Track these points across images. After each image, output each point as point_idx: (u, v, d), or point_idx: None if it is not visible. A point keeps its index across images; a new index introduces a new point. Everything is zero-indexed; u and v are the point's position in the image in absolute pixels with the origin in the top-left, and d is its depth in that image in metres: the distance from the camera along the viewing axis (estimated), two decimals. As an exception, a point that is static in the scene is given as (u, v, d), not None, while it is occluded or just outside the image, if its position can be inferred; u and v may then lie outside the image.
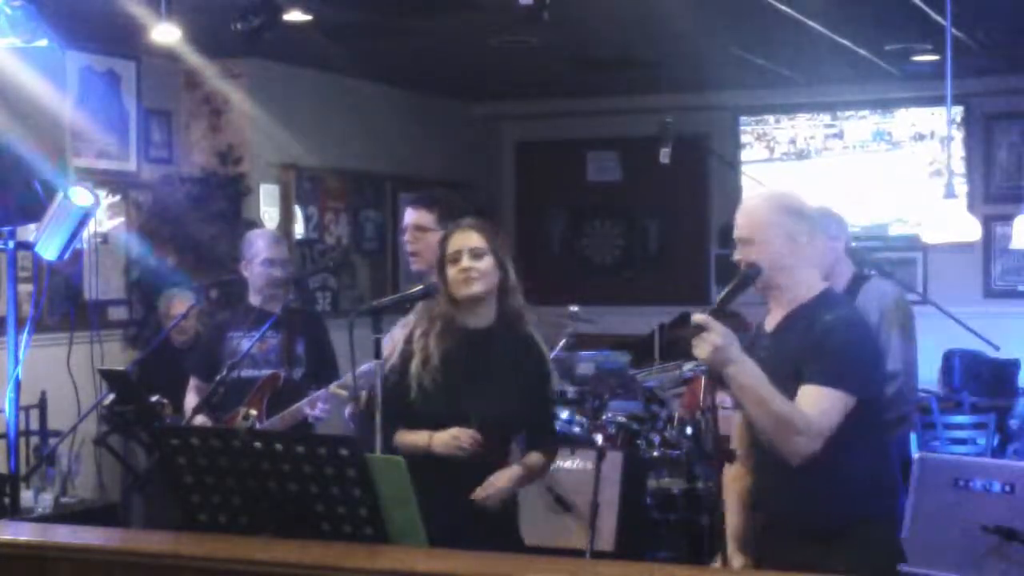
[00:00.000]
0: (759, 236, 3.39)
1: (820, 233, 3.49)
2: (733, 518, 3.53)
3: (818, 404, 3.25)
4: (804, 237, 3.40)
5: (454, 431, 3.63)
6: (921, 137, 9.24)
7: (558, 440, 4.23)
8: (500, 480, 3.70)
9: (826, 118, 9.52)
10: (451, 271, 3.71)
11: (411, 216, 4.37)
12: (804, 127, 9.59)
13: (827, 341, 3.29)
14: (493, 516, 3.69)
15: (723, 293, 3.36)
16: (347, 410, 4.47)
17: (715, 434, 3.45)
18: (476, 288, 3.71)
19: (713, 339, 3.17)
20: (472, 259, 3.70)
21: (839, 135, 9.50)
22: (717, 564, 3.40)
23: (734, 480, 3.57)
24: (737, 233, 3.45)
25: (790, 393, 3.26)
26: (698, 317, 3.21)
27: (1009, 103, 9.15)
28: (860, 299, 4.77)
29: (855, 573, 3.19)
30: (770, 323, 3.49)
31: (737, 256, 3.45)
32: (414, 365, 3.69)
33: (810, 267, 3.45)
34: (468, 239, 3.74)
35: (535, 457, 3.85)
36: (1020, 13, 6.67)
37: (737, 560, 3.45)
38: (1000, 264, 9.24)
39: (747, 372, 3.22)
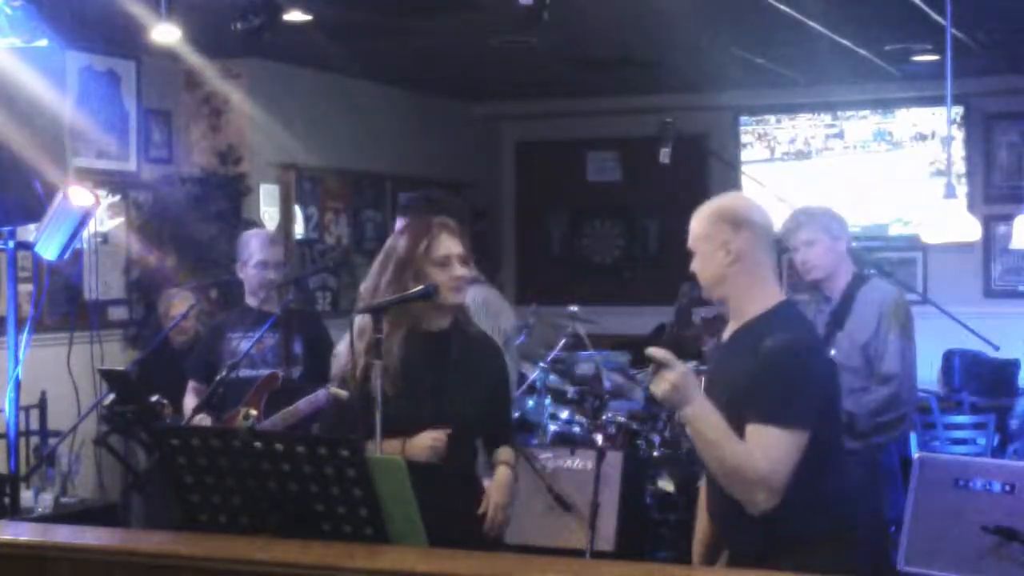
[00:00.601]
0: (698, 247, 3.29)
1: (769, 245, 3.27)
2: (704, 524, 3.46)
3: (769, 453, 3.03)
4: (746, 248, 3.21)
5: (430, 434, 3.57)
6: (921, 137, 9.24)
7: (513, 434, 4.22)
8: (498, 495, 3.68)
9: (827, 118, 9.53)
10: (441, 276, 3.63)
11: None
12: (804, 127, 9.59)
13: (770, 372, 3.07)
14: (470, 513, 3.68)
15: (676, 317, 3.29)
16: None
17: None
18: (463, 296, 3.69)
19: (671, 377, 3.01)
20: (462, 266, 3.67)
21: (839, 135, 9.50)
22: (723, 561, 3.37)
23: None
24: (689, 242, 3.35)
25: (728, 414, 3.08)
26: (656, 352, 3.02)
27: (1009, 103, 9.15)
28: (860, 300, 4.78)
29: None
30: (726, 333, 3.34)
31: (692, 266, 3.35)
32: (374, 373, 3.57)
33: (757, 280, 3.23)
34: (455, 245, 3.68)
35: (508, 453, 3.82)
36: (1020, 13, 6.67)
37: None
38: (1000, 264, 9.24)
39: (703, 415, 3.05)
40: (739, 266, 3.22)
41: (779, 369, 3.08)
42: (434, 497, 3.44)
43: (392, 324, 3.63)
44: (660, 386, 3.02)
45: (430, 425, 3.60)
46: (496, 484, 3.73)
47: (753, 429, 3.06)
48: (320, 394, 4.92)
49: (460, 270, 3.65)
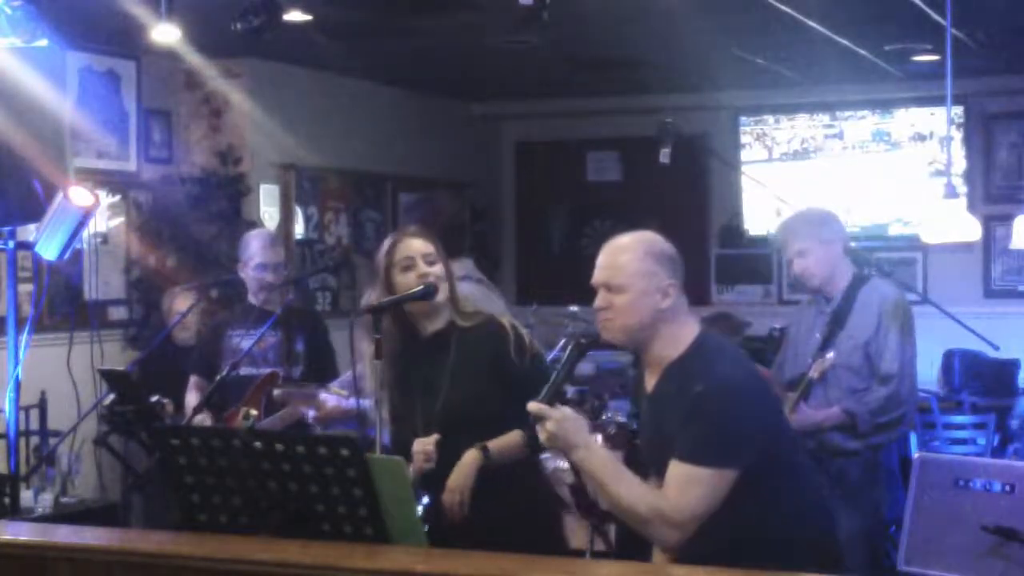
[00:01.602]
0: (630, 285, 3.12)
1: (679, 278, 3.20)
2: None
3: (681, 488, 2.96)
4: (673, 288, 3.13)
5: (415, 443, 3.58)
6: (921, 137, 9.24)
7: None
8: (452, 478, 3.61)
9: (826, 118, 9.52)
10: (407, 278, 3.66)
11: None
12: (804, 127, 9.59)
13: (698, 413, 2.97)
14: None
15: (559, 372, 3.10)
16: (311, 413, 4.47)
17: None
18: (442, 293, 3.69)
19: (548, 427, 2.98)
20: (428, 264, 3.68)
21: (839, 135, 9.50)
22: None
23: None
24: (602, 277, 3.18)
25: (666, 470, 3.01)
26: (532, 406, 2.99)
27: (1009, 103, 9.15)
28: (860, 300, 4.79)
29: None
30: (648, 384, 3.19)
31: (598, 302, 3.19)
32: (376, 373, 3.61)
33: (679, 323, 3.14)
34: (418, 246, 3.70)
35: (515, 435, 3.72)
36: (1020, 13, 6.67)
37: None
38: (1000, 264, 9.24)
39: (591, 458, 3.01)
40: (670, 311, 3.12)
41: (707, 411, 2.98)
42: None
43: (388, 334, 3.65)
44: (542, 435, 3.01)
45: (423, 430, 3.62)
46: (457, 466, 3.64)
47: (672, 466, 2.99)
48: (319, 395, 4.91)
49: (425, 268, 3.66)
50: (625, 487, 3.01)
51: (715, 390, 3.00)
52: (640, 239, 3.24)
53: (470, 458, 3.62)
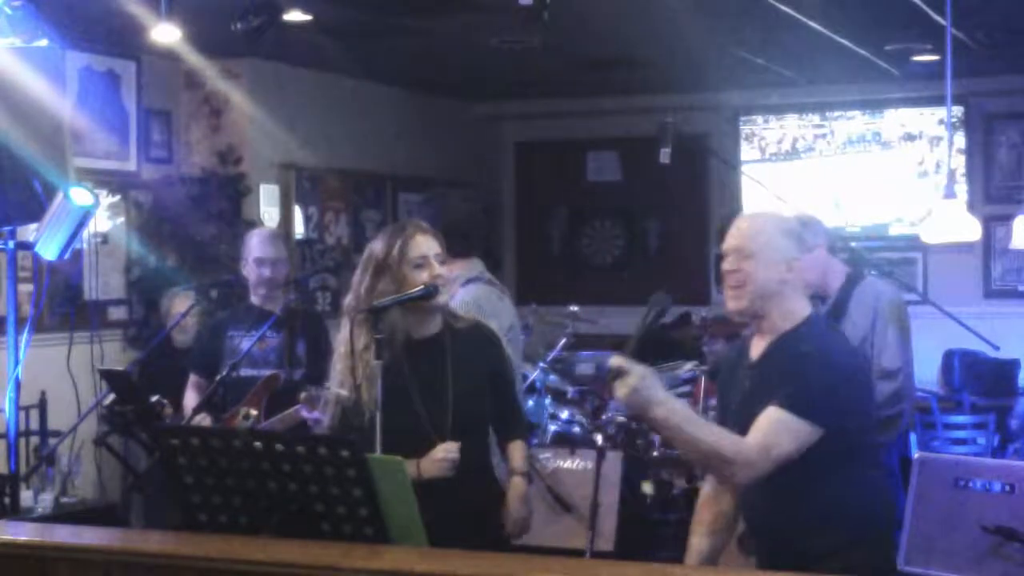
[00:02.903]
0: (758, 253, 3.28)
1: (807, 254, 3.39)
2: (701, 541, 3.46)
3: (766, 430, 3.15)
4: (797, 263, 3.30)
5: (439, 450, 3.58)
6: (921, 137, 9.25)
7: (527, 420, 4.23)
8: (516, 510, 3.75)
9: (825, 118, 9.52)
10: (420, 277, 3.61)
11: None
12: (803, 127, 9.58)
13: (800, 370, 3.19)
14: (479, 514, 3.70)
15: (640, 329, 3.27)
16: (327, 417, 4.46)
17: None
18: (447, 296, 3.70)
19: (630, 381, 3.07)
20: (440, 265, 3.66)
21: (839, 135, 9.50)
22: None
23: (708, 503, 3.51)
24: (735, 243, 3.33)
25: None
26: (615, 361, 3.09)
27: (1009, 103, 9.15)
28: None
29: None
30: (755, 352, 3.38)
31: (728, 266, 3.33)
32: (365, 389, 3.55)
33: (798, 294, 3.34)
34: (431, 244, 3.66)
35: (520, 456, 3.85)
36: (1020, 13, 6.67)
37: None
38: (1000, 264, 9.24)
39: (670, 412, 3.12)
40: (791, 285, 3.30)
41: (810, 369, 3.19)
42: (453, 497, 3.48)
43: (362, 330, 3.60)
44: (621, 392, 3.08)
45: (435, 434, 3.61)
46: (512, 496, 3.76)
47: (765, 413, 3.16)
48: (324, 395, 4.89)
49: (439, 269, 3.64)
50: (706, 431, 3.17)
51: (821, 354, 3.23)
52: (773, 213, 3.50)
53: (521, 488, 3.78)
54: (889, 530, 3.37)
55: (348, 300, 3.71)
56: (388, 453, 3.32)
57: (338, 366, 3.67)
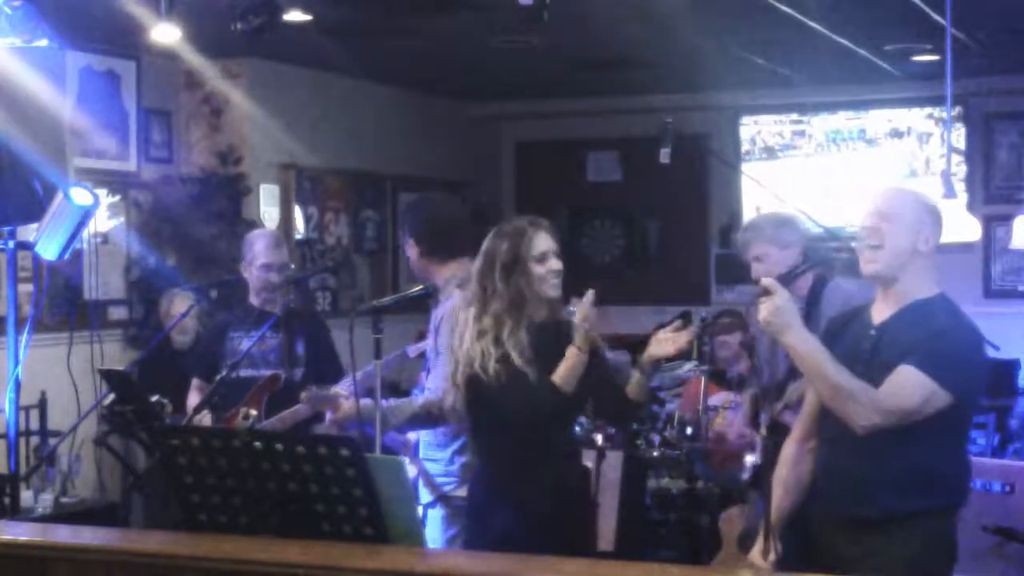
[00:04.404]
0: (895, 221, 3.44)
1: (937, 238, 3.57)
2: (784, 498, 3.53)
3: (899, 383, 3.29)
4: (932, 245, 3.50)
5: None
6: (920, 137, 9.25)
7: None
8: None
9: (826, 118, 9.52)
10: (540, 270, 3.90)
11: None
12: (804, 126, 9.58)
13: (939, 339, 3.35)
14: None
15: (800, 268, 3.69)
16: (328, 415, 4.45)
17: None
18: (559, 288, 3.94)
19: (776, 300, 3.26)
20: (558, 261, 3.93)
21: (839, 135, 9.50)
22: (760, 548, 3.40)
23: (790, 463, 3.58)
24: (878, 203, 3.48)
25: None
26: (766, 281, 3.31)
27: (1009, 103, 9.15)
28: (824, 302, 4.74)
29: (906, 563, 3.28)
30: (877, 315, 3.50)
31: (867, 223, 3.47)
32: (492, 365, 3.82)
33: (929, 274, 3.52)
34: (550, 242, 3.95)
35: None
36: (1020, 13, 6.67)
37: (760, 544, 3.42)
38: (1000, 264, 9.23)
39: (804, 340, 3.30)
40: (921, 258, 3.47)
41: (950, 340, 3.36)
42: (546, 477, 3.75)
43: (505, 316, 3.87)
44: (766, 308, 3.28)
45: (538, 408, 3.81)
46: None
47: (900, 369, 3.30)
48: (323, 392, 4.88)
49: (557, 264, 3.93)
50: (835, 367, 3.30)
51: (962, 329, 3.42)
52: (916, 190, 3.74)
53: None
54: (960, 505, 3.49)
55: (473, 291, 3.95)
56: (507, 429, 3.67)
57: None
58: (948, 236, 5.40)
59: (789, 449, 3.59)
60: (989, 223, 8.66)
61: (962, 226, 5.38)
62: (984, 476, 3.95)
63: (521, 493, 3.77)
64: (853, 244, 3.56)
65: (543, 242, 3.94)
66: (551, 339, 3.92)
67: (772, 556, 3.32)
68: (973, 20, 6.72)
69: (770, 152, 9.66)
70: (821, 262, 4.87)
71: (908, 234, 3.43)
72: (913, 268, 3.46)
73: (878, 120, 9.39)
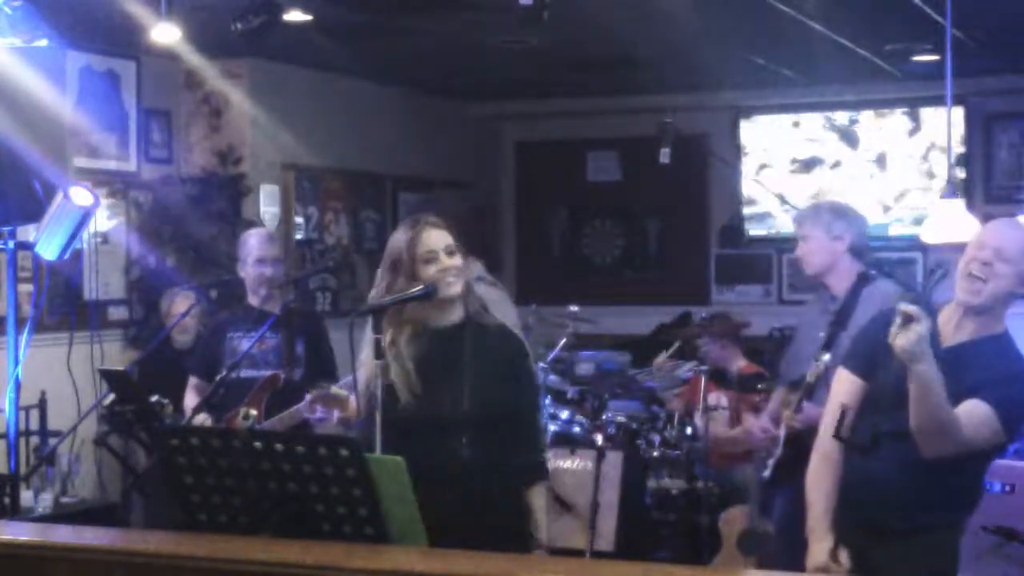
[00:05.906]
0: (1013, 264, 3.48)
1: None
2: (826, 500, 3.53)
3: (979, 422, 3.33)
4: None
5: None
6: (920, 137, 9.25)
7: (543, 441, 4.12)
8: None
9: (826, 117, 9.52)
10: (429, 271, 3.62)
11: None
12: (804, 126, 9.59)
13: (1015, 383, 3.40)
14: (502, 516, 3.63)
15: (927, 284, 3.54)
16: (335, 414, 4.44)
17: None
18: (458, 288, 3.66)
19: (920, 330, 3.20)
20: (450, 257, 3.65)
21: (839, 134, 9.50)
22: (825, 547, 3.42)
23: (823, 471, 3.57)
24: (1003, 243, 3.54)
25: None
26: (909, 308, 3.22)
27: (1009, 103, 9.15)
28: (863, 300, 4.76)
29: (920, 571, 3.40)
30: (948, 335, 3.52)
31: (983, 257, 3.51)
32: (393, 374, 3.57)
33: (1007, 307, 3.54)
34: (440, 237, 3.66)
35: (540, 499, 3.67)
36: (1020, 13, 6.67)
37: (829, 540, 3.46)
38: (1000, 264, 9.22)
39: (935, 372, 3.26)
40: (1014, 299, 3.51)
41: (1021, 385, 3.41)
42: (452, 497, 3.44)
43: (395, 326, 3.62)
44: (908, 337, 3.19)
45: (448, 425, 3.55)
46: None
47: (976, 403, 3.34)
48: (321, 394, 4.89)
49: (448, 261, 3.63)
50: (947, 403, 3.29)
51: None
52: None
53: (543, 500, 3.65)
54: (972, 513, 3.58)
55: (371, 295, 3.73)
56: (404, 442, 3.34)
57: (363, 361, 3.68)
58: (948, 236, 5.43)
59: (816, 459, 3.59)
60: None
61: (962, 226, 5.38)
62: (984, 476, 3.94)
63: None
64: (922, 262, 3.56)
65: (430, 240, 3.64)
66: (454, 347, 3.63)
67: (844, 558, 3.39)
68: (973, 20, 6.72)
69: (770, 152, 9.66)
70: (873, 264, 4.89)
71: (1015, 279, 3.48)
72: (1002, 306, 3.51)
73: (878, 120, 9.39)
